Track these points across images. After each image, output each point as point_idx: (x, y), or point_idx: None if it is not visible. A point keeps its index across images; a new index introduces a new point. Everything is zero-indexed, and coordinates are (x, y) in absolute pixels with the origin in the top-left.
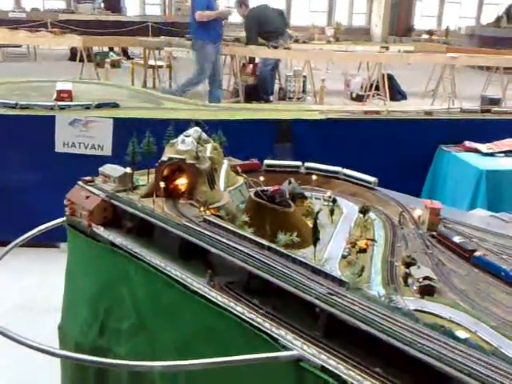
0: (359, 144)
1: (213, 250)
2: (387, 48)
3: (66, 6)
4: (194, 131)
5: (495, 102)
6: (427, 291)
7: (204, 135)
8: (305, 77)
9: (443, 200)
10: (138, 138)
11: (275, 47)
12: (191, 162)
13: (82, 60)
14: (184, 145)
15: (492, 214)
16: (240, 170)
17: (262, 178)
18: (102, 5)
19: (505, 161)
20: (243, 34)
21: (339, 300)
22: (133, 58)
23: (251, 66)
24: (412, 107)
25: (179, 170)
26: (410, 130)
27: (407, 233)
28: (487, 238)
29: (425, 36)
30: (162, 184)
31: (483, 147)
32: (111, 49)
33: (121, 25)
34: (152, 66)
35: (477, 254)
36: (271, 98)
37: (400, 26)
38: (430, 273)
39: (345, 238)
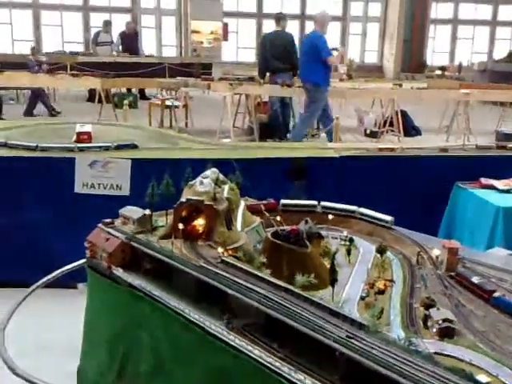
0: (374, 182)
1: (230, 291)
2: (400, 85)
3: (85, 49)
4: (212, 172)
5: (510, 137)
6: (447, 333)
7: (221, 176)
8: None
9: (461, 238)
10: (157, 179)
11: (289, 85)
12: (209, 203)
13: (100, 101)
14: (202, 186)
15: (510, 253)
16: (263, 209)
17: (278, 218)
18: (121, 47)
19: None
20: (256, 74)
21: (358, 343)
22: (150, 99)
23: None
24: (427, 143)
25: (197, 211)
26: (426, 166)
27: (426, 273)
28: (506, 277)
29: (437, 72)
30: (181, 225)
31: (500, 184)
32: (129, 90)
33: (138, 66)
34: (168, 106)
35: (496, 294)
36: (288, 135)
37: (412, 63)
38: (450, 314)
39: (363, 278)
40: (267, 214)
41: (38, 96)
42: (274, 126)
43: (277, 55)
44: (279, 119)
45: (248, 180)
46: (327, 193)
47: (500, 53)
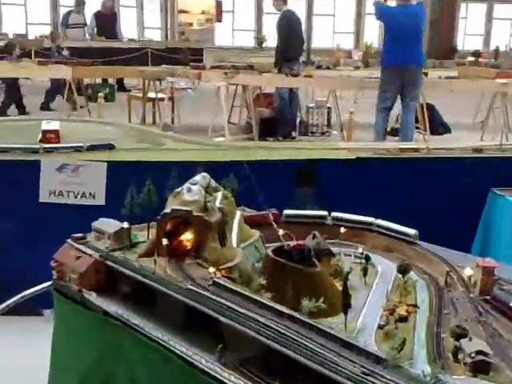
0: (395, 188)
1: (224, 319)
2: (426, 74)
3: (53, 32)
4: (202, 178)
5: None
6: (481, 368)
7: (213, 182)
8: (329, 108)
9: (498, 254)
10: (137, 185)
11: (295, 75)
12: (198, 214)
13: (70, 94)
14: (190, 194)
15: None
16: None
17: (281, 232)
18: (95, 30)
19: None
20: (256, 61)
21: (376, 381)
22: (129, 90)
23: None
24: (457, 143)
25: (185, 224)
26: (456, 170)
27: (456, 297)
28: None
29: (470, 58)
30: (165, 240)
31: None
32: (105, 80)
33: (116, 52)
34: (151, 99)
35: None
36: (294, 133)
37: (441, 48)
38: (484, 346)
39: (381, 303)
40: (275, 226)
41: (58, 88)
42: (280, 121)
43: (301, 38)
44: (286, 114)
45: (245, 187)
46: (339, 201)
47: None
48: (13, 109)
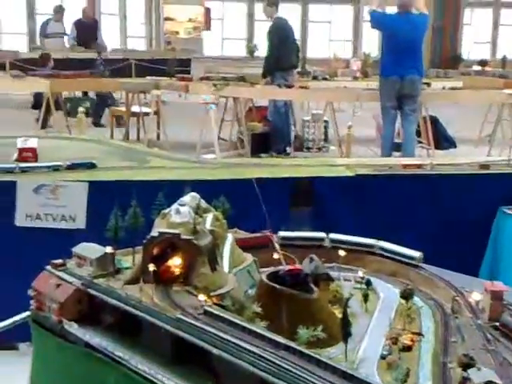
0: (397, 208)
1: (216, 351)
2: (429, 84)
3: (30, 42)
4: (191, 198)
5: None
6: None
7: (203, 203)
8: (326, 121)
9: (509, 278)
10: (121, 207)
11: (289, 86)
12: (188, 237)
13: (48, 109)
14: (179, 216)
15: None
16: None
17: (275, 256)
18: (76, 40)
19: None
20: (247, 71)
21: None
22: (112, 105)
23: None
24: (463, 158)
25: (173, 248)
26: (462, 187)
27: (463, 324)
28: None
29: (476, 68)
30: (152, 266)
31: None
32: (85, 93)
33: (97, 63)
34: (135, 114)
35: None
36: (288, 149)
37: (444, 56)
38: (494, 376)
39: (384, 331)
40: (277, 247)
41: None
42: (274, 136)
43: (295, 47)
44: (282, 128)
45: (238, 207)
46: (338, 222)
47: None
48: None
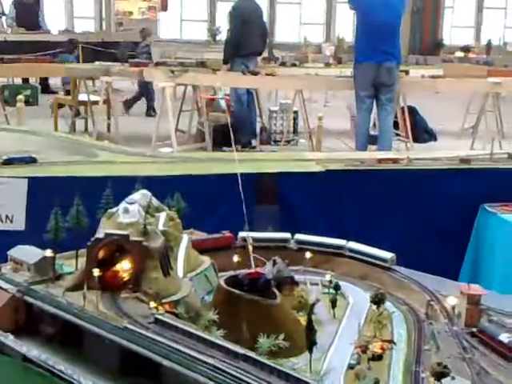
0: (371, 206)
1: (167, 363)
2: (407, 72)
3: None
4: (142, 196)
5: None
6: None
7: (155, 201)
8: (296, 112)
9: (491, 279)
10: (63, 206)
11: (254, 73)
12: (137, 239)
13: None
14: (127, 215)
15: None
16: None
17: (235, 258)
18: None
19: None
20: (209, 56)
21: None
22: (56, 92)
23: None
24: (443, 152)
25: (121, 251)
26: (441, 184)
27: (438, 330)
28: None
29: (459, 54)
30: (97, 271)
31: None
32: (26, 80)
33: (40, 47)
34: (83, 103)
35: None
36: (254, 142)
37: (424, 42)
38: None
39: (352, 339)
40: (250, 249)
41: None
42: (238, 128)
43: (260, 31)
44: (246, 119)
45: (196, 206)
46: (306, 221)
47: None
48: None
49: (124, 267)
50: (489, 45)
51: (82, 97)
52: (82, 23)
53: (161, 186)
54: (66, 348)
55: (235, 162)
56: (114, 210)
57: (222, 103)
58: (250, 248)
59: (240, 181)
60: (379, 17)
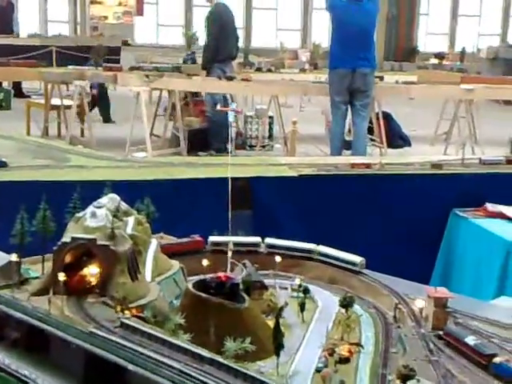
0: (343, 210)
1: (131, 367)
2: (381, 78)
3: None
4: (110, 200)
5: None
6: None
7: (123, 205)
8: (271, 117)
9: (462, 283)
10: (30, 209)
11: (230, 78)
12: (104, 243)
13: None
14: (95, 219)
15: None
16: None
17: (205, 262)
18: None
19: None
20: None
21: None
22: (29, 96)
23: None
24: (416, 157)
25: (87, 255)
26: (413, 188)
27: (405, 333)
28: None
29: (433, 61)
30: (62, 275)
31: (511, 211)
32: None
33: (12, 50)
34: (56, 107)
35: (497, 359)
36: (229, 147)
37: (399, 48)
38: None
39: (320, 343)
40: (229, 254)
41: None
42: (213, 133)
43: (235, 36)
44: (221, 124)
45: (166, 210)
46: (279, 225)
47: None
48: None
49: (91, 271)
50: (463, 52)
51: (55, 101)
52: (56, 27)
53: (131, 191)
54: (31, 353)
55: (208, 167)
56: (81, 214)
57: (231, 116)
58: (229, 253)
59: (214, 185)
60: (354, 23)
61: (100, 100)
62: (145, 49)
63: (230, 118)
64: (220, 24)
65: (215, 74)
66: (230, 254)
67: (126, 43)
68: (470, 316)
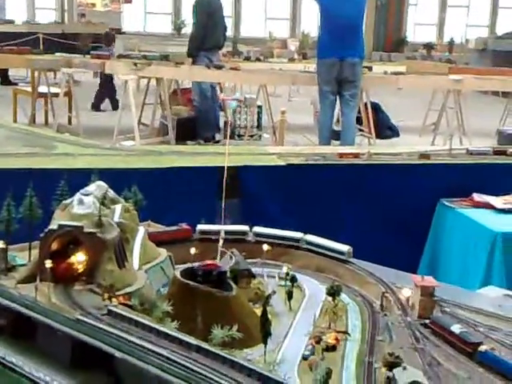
0: (331, 199)
1: (118, 354)
2: (370, 68)
3: None
4: (97, 187)
5: None
6: None
7: (111, 193)
8: (259, 107)
9: (449, 273)
10: (17, 197)
11: (218, 67)
12: (91, 230)
13: None
14: (82, 207)
15: (507, 294)
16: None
17: (193, 250)
18: None
19: None
20: (173, 50)
21: None
22: (16, 84)
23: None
24: (403, 147)
25: (74, 243)
26: (400, 178)
27: (391, 321)
28: (498, 325)
29: (421, 51)
30: (49, 263)
31: (498, 201)
32: None
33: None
34: (43, 95)
35: (483, 348)
36: (218, 136)
37: (388, 39)
38: (420, 376)
39: (307, 331)
40: (220, 242)
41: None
42: (201, 122)
43: (223, 24)
44: (208, 113)
45: (155, 198)
46: (267, 214)
47: (505, 26)
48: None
49: (78, 259)
50: (451, 43)
51: (42, 89)
52: (43, 14)
53: (119, 179)
54: (17, 340)
55: (196, 156)
56: (68, 201)
57: (233, 105)
58: (221, 242)
59: (202, 174)
60: (342, 12)
61: (106, 89)
62: (133, 36)
63: (232, 107)
64: (208, 12)
65: (202, 62)
66: (221, 242)
67: (118, 31)
68: (457, 305)
